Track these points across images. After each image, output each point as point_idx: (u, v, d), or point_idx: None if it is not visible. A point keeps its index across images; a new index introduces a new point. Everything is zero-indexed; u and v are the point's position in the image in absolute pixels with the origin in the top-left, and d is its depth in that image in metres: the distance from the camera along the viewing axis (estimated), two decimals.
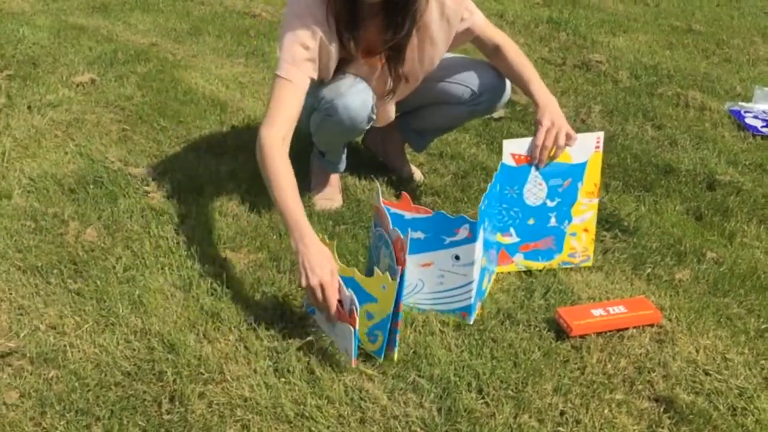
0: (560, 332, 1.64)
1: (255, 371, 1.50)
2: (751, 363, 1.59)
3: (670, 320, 1.70)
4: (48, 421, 1.38)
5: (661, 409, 1.46)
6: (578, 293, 1.78)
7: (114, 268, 1.80)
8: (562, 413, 1.44)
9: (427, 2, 1.80)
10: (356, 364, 1.51)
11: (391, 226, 1.56)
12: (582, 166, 1.79)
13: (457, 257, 1.61)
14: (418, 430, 1.39)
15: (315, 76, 1.79)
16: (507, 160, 1.77)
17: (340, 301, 1.51)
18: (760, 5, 4.71)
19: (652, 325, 1.67)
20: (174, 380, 1.47)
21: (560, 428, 1.41)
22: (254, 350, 1.55)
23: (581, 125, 2.70)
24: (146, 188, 2.15)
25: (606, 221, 2.06)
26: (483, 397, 1.46)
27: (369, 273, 1.60)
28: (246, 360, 1.53)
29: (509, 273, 1.84)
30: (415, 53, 1.89)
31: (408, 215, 1.64)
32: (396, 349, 1.53)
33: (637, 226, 2.05)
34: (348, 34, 1.78)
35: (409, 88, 2.01)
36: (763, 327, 1.70)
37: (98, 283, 1.74)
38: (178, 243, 1.90)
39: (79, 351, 1.54)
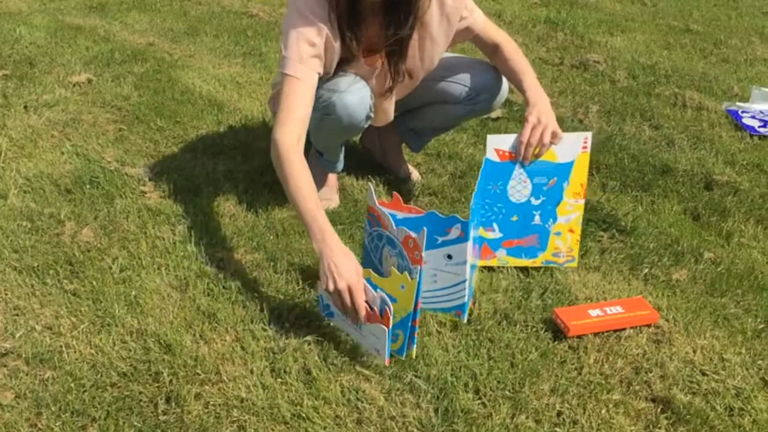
0: (557, 332, 1.64)
1: (251, 372, 1.50)
2: (748, 363, 1.59)
3: (667, 320, 1.70)
4: (44, 422, 1.37)
5: (659, 410, 1.46)
6: (575, 293, 1.78)
7: (110, 268, 1.79)
8: (559, 414, 1.44)
9: (429, 0, 1.79)
10: (389, 363, 1.51)
11: (394, 226, 1.56)
12: (568, 166, 1.78)
13: (449, 256, 1.61)
14: (415, 430, 1.39)
15: (321, 72, 1.79)
16: (491, 155, 1.77)
17: (366, 302, 1.51)
18: (758, 5, 4.72)
19: (649, 326, 1.67)
20: (170, 381, 1.47)
21: (557, 429, 1.41)
22: (251, 351, 1.55)
23: (578, 125, 2.70)
24: (143, 188, 2.15)
25: (603, 221, 2.06)
26: (480, 398, 1.46)
27: None
28: (242, 360, 1.53)
29: (507, 273, 1.84)
30: (416, 51, 1.89)
31: (400, 215, 1.63)
32: (414, 347, 1.54)
33: (635, 226, 2.05)
34: (350, 33, 1.78)
35: (409, 87, 2.01)
36: (760, 327, 1.70)
37: (94, 283, 1.74)
38: (174, 243, 1.89)
39: (75, 351, 1.54)
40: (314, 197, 1.62)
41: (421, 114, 2.15)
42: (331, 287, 1.51)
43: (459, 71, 2.01)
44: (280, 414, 1.40)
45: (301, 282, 1.76)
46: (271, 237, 1.94)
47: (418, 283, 1.47)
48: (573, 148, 1.77)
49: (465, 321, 1.65)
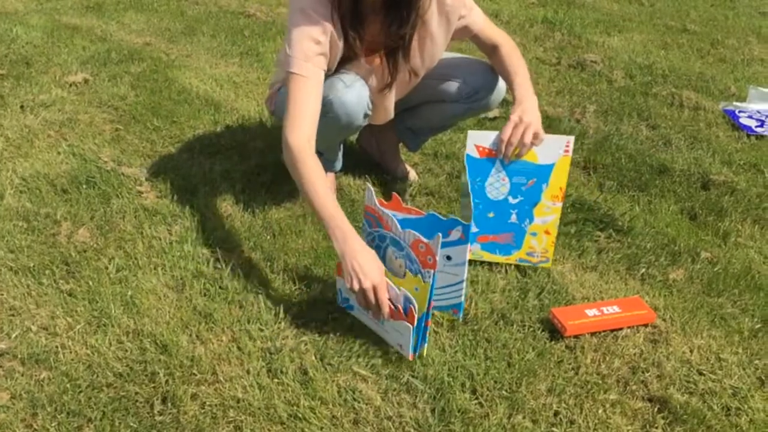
0: (554, 332, 1.64)
1: (248, 372, 1.49)
2: (745, 363, 1.59)
3: (664, 320, 1.70)
4: (39, 422, 1.37)
5: (655, 410, 1.46)
6: (572, 293, 1.78)
7: (106, 268, 1.79)
8: (556, 413, 1.44)
9: (430, 0, 1.79)
10: (413, 359, 1.53)
11: (399, 228, 1.56)
12: (548, 168, 1.77)
13: (448, 257, 1.61)
14: (412, 430, 1.39)
15: (326, 69, 1.78)
16: (471, 151, 1.77)
17: (389, 299, 1.52)
18: (755, 5, 4.72)
19: (646, 325, 1.67)
20: (166, 381, 1.46)
21: (554, 429, 1.41)
22: (247, 351, 1.54)
23: (575, 125, 2.70)
24: (139, 188, 2.14)
25: (600, 221, 2.06)
26: (477, 398, 1.46)
27: None
28: (239, 361, 1.52)
29: (504, 273, 1.83)
30: (417, 50, 1.89)
31: (399, 215, 1.63)
32: (425, 346, 1.55)
33: (632, 226, 2.05)
34: (353, 32, 1.77)
35: (409, 86, 2.01)
36: (756, 327, 1.70)
37: (90, 283, 1.73)
38: (171, 243, 1.89)
39: (70, 352, 1.53)
40: (331, 196, 1.63)
41: (419, 112, 2.15)
42: (356, 287, 1.51)
43: (457, 70, 2.01)
44: (277, 414, 1.40)
45: (297, 282, 1.75)
46: (268, 237, 1.93)
47: (431, 286, 1.49)
48: (554, 151, 1.76)
49: (460, 319, 1.65)
